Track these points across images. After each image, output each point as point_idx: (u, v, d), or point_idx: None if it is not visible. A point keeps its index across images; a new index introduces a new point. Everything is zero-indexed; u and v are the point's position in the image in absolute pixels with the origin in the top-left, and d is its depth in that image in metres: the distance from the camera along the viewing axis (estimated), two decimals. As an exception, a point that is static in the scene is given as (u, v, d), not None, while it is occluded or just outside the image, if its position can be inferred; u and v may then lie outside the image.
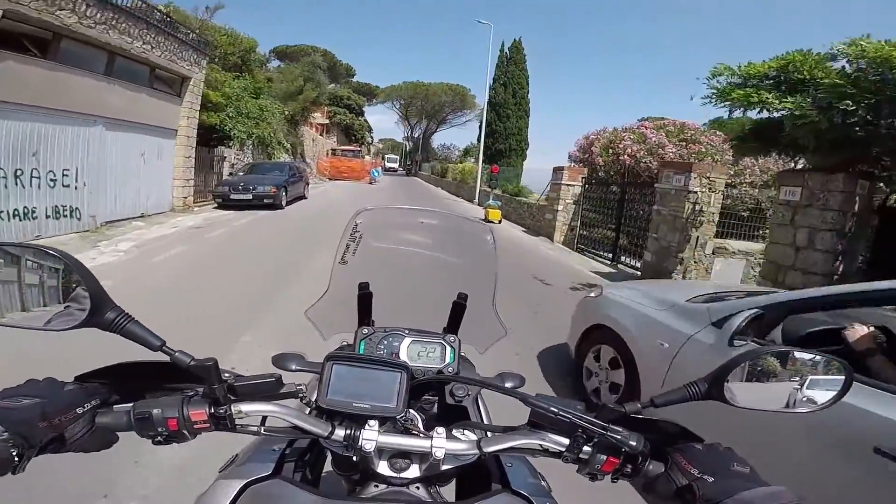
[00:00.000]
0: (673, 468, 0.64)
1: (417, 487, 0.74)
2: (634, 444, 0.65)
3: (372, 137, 59.84)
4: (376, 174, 28.60)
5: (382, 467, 0.72)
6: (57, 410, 0.55)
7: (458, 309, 1.09)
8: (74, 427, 0.57)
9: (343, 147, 34.56)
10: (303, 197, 15.59)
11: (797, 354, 0.72)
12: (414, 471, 0.72)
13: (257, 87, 18.50)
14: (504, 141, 29.09)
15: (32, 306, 0.60)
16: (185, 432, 0.62)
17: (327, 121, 41.87)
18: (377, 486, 0.73)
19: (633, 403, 0.69)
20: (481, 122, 24.22)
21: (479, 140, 24.69)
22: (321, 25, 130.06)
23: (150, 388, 0.68)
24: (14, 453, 0.49)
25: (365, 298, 1.08)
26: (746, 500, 0.55)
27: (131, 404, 0.62)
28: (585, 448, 0.68)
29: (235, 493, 0.68)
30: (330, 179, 28.39)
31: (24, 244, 0.61)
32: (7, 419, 0.50)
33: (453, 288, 1.12)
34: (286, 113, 19.67)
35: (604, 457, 0.67)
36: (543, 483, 0.82)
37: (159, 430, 0.60)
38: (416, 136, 56.21)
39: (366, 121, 50.62)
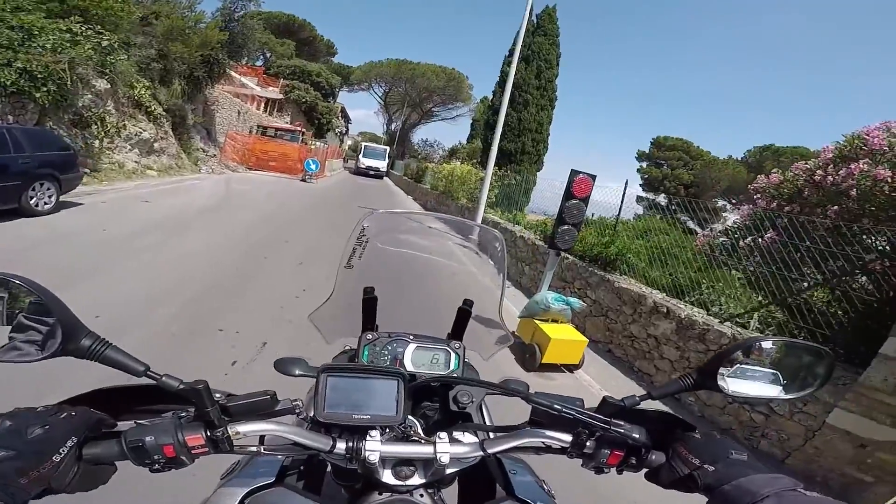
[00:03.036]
0: (675, 458, 0.68)
1: (421, 494, 0.73)
2: (637, 436, 0.69)
3: (347, 128, 51.16)
4: (312, 167, 17.93)
5: (387, 476, 0.70)
6: (34, 463, 0.49)
7: (464, 315, 1.13)
8: (60, 475, 0.52)
9: (275, 125, 24.10)
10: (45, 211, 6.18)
11: (783, 344, 0.78)
12: (418, 477, 0.71)
13: (76, 4, 9.74)
14: (517, 139, 19.79)
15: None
16: (183, 458, 0.60)
17: (281, 96, 32.28)
18: (380, 493, 0.72)
19: (631, 397, 0.72)
20: (496, 106, 14.98)
21: (487, 127, 15.35)
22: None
23: (137, 409, 0.65)
24: None
25: (370, 303, 1.09)
26: (744, 486, 0.58)
27: (120, 433, 0.59)
28: (589, 443, 0.71)
29: (238, 501, 0.67)
30: (250, 169, 18.59)
31: None
32: None
33: (459, 294, 1.16)
34: (110, 44, 9.91)
35: (608, 451, 0.71)
36: (547, 489, 0.83)
37: (155, 457, 0.58)
38: (394, 128, 46.94)
39: (340, 106, 41.13)
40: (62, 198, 6.61)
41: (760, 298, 4.03)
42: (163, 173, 12.06)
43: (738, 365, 0.74)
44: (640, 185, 30.94)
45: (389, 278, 1.20)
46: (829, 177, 4.13)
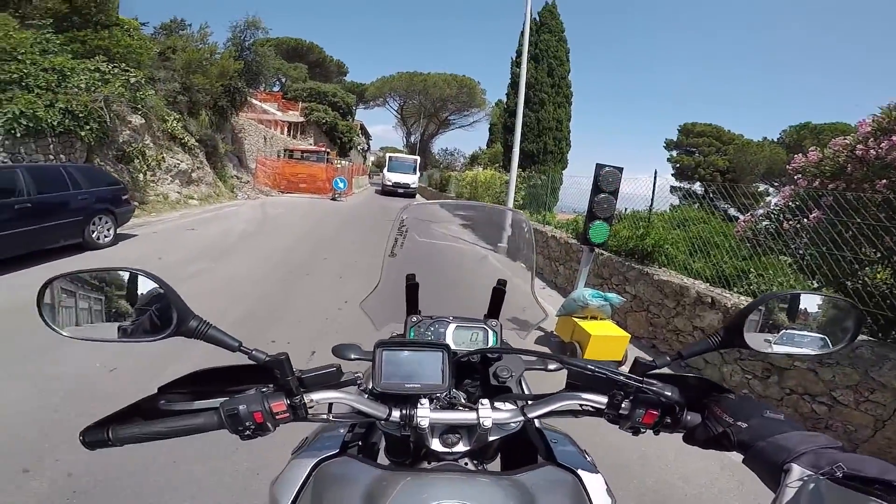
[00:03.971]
0: (710, 417, 0.70)
1: (466, 462, 0.80)
2: (670, 394, 0.70)
3: (368, 144, 51.96)
4: (341, 185, 18.45)
5: (435, 444, 0.77)
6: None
7: (499, 295, 1.18)
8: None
9: (301, 147, 24.90)
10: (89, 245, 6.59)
11: (808, 297, 0.78)
12: (463, 444, 0.78)
13: (97, 44, 10.40)
14: (537, 139, 19.72)
15: (126, 323, 0.70)
16: (269, 424, 0.69)
17: (302, 119, 33.28)
18: (430, 462, 0.80)
19: (661, 357, 0.76)
20: (511, 108, 15.06)
21: (506, 130, 15.42)
22: (310, 20, 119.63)
23: (224, 390, 0.74)
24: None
25: (412, 289, 1.17)
26: (779, 442, 0.57)
27: (218, 403, 0.68)
28: (624, 404, 0.74)
29: (309, 470, 0.75)
30: (282, 192, 19.22)
31: (112, 269, 0.71)
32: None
33: (493, 275, 1.22)
34: (138, 81, 10.54)
35: (643, 410, 0.73)
36: (588, 458, 0.84)
37: (247, 424, 0.67)
38: (413, 140, 47.39)
39: (359, 123, 41.98)
40: (118, 230, 7.06)
41: (815, 284, 3.87)
42: (203, 202, 12.64)
43: (763, 320, 0.76)
44: (672, 174, 29.94)
45: (428, 265, 1.27)
46: (872, 150, 3.89)
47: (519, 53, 17.46)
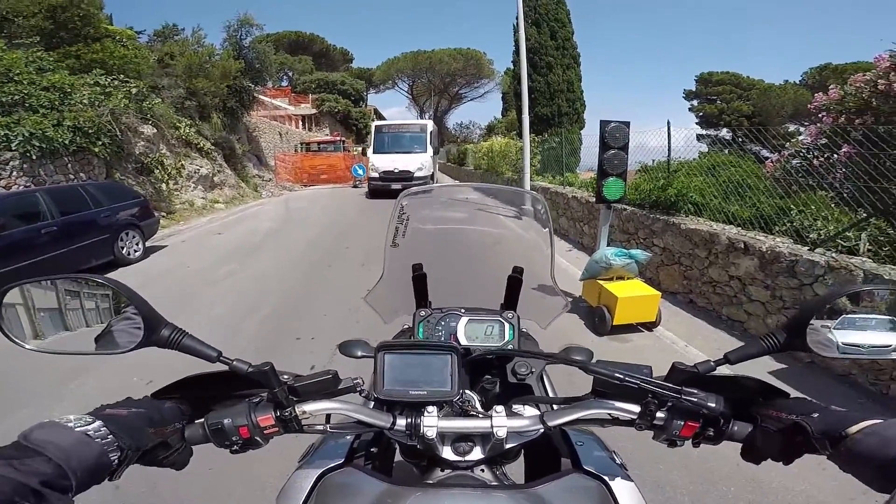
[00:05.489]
0: (766, 422, 0.59)
1: (482, 470, 0.72)
2: (714, 405, 0.60)
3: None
4: (360, 172, 17.70)
5: (447, 452, 0.70)
6: (162, 421, 0.59)
7: (515, 283, 1.08)
8: (172, 440, 0.61)
9: (317, 139, 24.82)
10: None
11: (886, 293, 0.66)
12: (477, 452, 0.71)
13: (92, 58, 10.48)
14: (550, 102, 19.14)
15: (89, 334, 0.66)
16: (258, 439, 0.63)
17: (315, 111, 33.37)
18: (443, 470, 0.73)
19: (705, 362, 0.66)
20: (518, 74, 14.64)
21: (517, 97, 15.01)
22: (307, 12, 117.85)
23: (218, 398, 0.70)
24: (115, 458, 0.50)
25: (419, 279, 1.09)
26: (881, 432, 0.46)
27: (203, 418, 0.63)
28: (659, 414, 0.64)
29: (312, 482, 0.69)
30: (305, 185, 19.41)
31: (71, 276, 0.66)
32: (116, 423, 0.53)
33: (508, 261, 1.11)
34: (140, 91, 10.61)
35: (681, 422, 0.63)
36: (617, 460, 0.77)
37: (233, 439, 0.62)
38: (427, 118, 46.92)
39: (373, 108, 41.74)
40: (147, 243, 7.20)
41: (863, 214, 3.54)
42: (229, 204, 12.93)
43: (830, 320, 0.64)
44: (697, 122, 29.09)
45: (436, 253, 1.19)
46: (895, 84, 3.92)
47: (518, 19, 16.91)
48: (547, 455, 0.83)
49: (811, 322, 0.62)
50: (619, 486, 0.69)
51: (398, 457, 0.88)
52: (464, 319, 1.00)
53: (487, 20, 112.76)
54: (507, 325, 0.99)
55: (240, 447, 0.64)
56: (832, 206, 3.89)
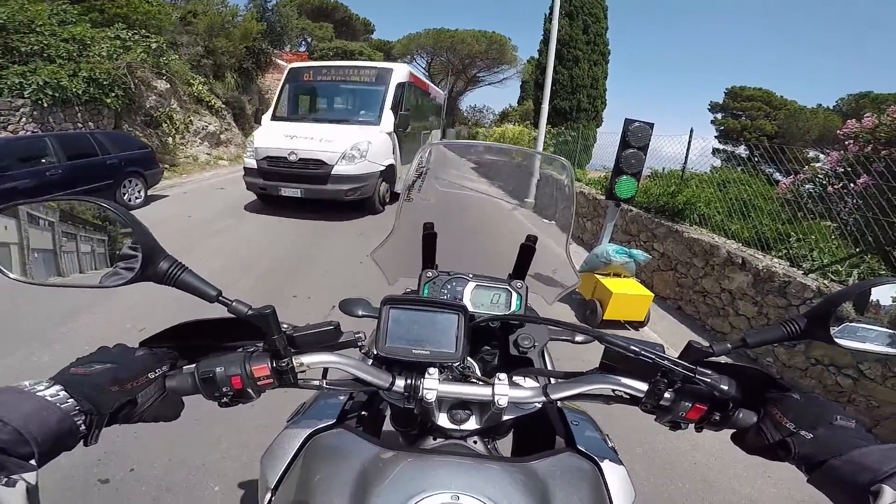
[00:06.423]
0: (766, 420, 0.58)
1: (475, 442, 0.72)
2: (726, 388, 0.58)
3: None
4: None
5: (442, 419, 0.69)
6: (130, 375, 0.54)
7: (527, 252, 1.03)
8: (147, 392, 0.56)
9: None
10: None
11: None
12: (473, 423, 0.69)
13: (116, 12, 10.41)
14: (570, 96, 18.81)
15: (84, 264, 0.58)
16: (250, 391, 0.60)
17: (331, 80, 32.82)
18: (435, 439, 0.72)
19: (720, 343, 0.62)
20: (544, 65, 14.42)
21: (537, 87, 14.77)
22: None
23: (213, 347, 0.65)
24: (80, 421, 0.47)
25: (429, 239, 1.04)
26: (858, 460, 0.47)
27: (194, 365, 0.60)
28: (667, 394, 0.62)
29: (301, 442, 0.68)
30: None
31: (65, 197, 0.59)
32: (76, 385, 0.48)
33: (521, 233, 1.08)
34: (159, 46, 10.56)
35: (689, 404, 0.61)
36: (610, 443, 0.76)
37: (224, 389, 0.59)
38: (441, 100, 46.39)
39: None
40: (149, 192, 7.36)
41: (858, 249, 3.56)
42: (233, 162, 12.85)
43: (857, 311, 0.60)
44: (716, 136, 28.65)
45: (449, 215, 1.14)
46: None
47: (551, 9, 16.54)
48: (539, 432, 0.82)
49: (837, 311, 0.59)
50: (610, 469, 0.69)
51: (387, 426, 0.86)
52: (471, 284, 0.97)
53: (517, 5, 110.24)
54: (514, 295, 0.96)
55: (230, 399, 0.60)
56: (832, 238, 3.90)
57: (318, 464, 0.63)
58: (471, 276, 0.98)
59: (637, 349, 0.61)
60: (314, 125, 7.15)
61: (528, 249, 1.04)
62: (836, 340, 0.60)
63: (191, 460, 2.04)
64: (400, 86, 7.69)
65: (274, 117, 7.58)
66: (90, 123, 8.63)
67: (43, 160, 5.69)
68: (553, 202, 1.20)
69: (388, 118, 7.30)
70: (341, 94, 8.18)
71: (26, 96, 7.52)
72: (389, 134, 7.31)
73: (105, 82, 8.72)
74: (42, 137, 6.07)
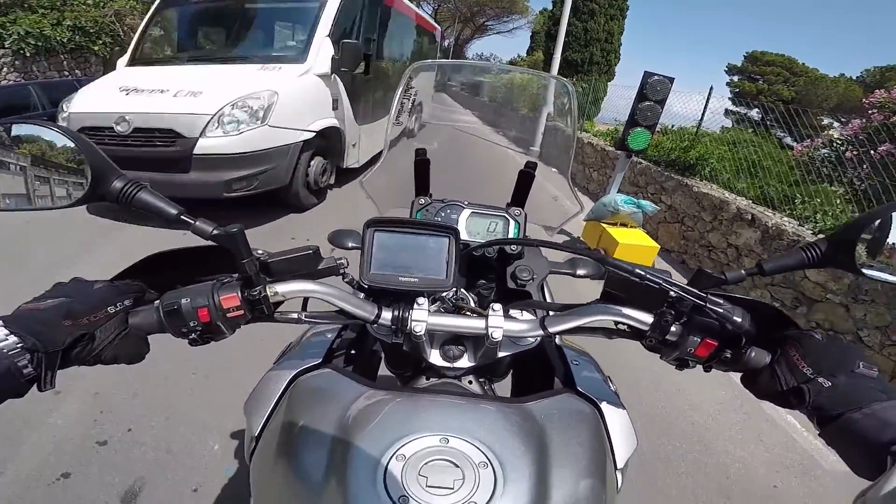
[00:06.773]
0: (781, 361, 0.52)
1: (470, 381, 0.69)
2: (739, 320, 0.52)
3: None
4: None
5: (434, 356, 0.65)
6: (86, 309, 0.47)
7: (526, 179, 0.96)
8: (106, 329, 0.49)
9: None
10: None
11: None
12: (467, 359, 0.65)
13: None
14: (583, 49, 18.17)
15: (31, 186, 0.53)
16: (220, 324, 0.53)
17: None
18: (428, 378, 0.69)
19: (735, 270, 0.56)
20: (557, 17, 13.78)
21: (549, 38, 14.07)
22: None
23: (186, 281, 0.57)
24: (24, 362, 0.40)
25: (422, 166, 0.97)
26: (880, 414, 0.41)
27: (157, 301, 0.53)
28: (674, 328, 0.56)
29: (286, 383, 0.64)
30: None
31: (8, 120, 0.53)
32: (21, 321, 0.43)
33: (520, 155, 1.06)
34: None
35: (698, 339, 0.55)
36: (612, 386, 0.72)
37: (192, 324, 0.52)
38: (447, 45, 44.54)
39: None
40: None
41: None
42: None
43: (884, 236, 0.54)
44: (730, 98, 28.31)
45: (443, 142, 1.10)
46: None
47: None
48: (538, 372, 0.78)
49: (862, 236, 0.53)
50: (611, 412, 0.65)
51: (383, 370, 0.82)
52: (466, 212, 0.91)
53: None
54: (512, 223, 0.91)
55: (198, 335, 0.54)
56: (837, 201, 3.91)
57: (304, 406, 0.59)
58: (466, 202, 0.93)
59: (642, 272, 0.55)
60: (189, 69, 4.34)
61: (527, 176, 0.98)
62: (862, 270, 0.54)
63: (190, 418, 1.94)
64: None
65: (133, 61, 4.74)
66: (77, 71, 8.41)
67: (27, 109, 5.68)
68: (550, 124, 1.14)
69: (325, 51, 4.23)
70: (245, 15, 4.92)
71: (7, 46, 7.40)
72: (325, 77, 4.29)
73: (92, 30, 8.49)
74: (25, 86, 6.08)
